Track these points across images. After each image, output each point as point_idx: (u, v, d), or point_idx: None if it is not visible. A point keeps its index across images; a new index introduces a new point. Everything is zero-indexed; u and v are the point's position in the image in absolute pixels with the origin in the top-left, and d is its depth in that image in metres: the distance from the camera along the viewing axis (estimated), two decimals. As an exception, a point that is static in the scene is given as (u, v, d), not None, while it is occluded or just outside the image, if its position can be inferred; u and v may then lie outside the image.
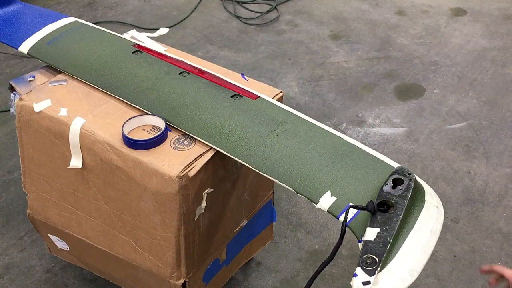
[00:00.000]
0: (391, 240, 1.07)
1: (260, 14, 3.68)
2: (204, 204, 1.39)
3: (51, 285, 1.97)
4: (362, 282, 1.02)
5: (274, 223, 1.95)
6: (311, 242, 2.15)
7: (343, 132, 2.67)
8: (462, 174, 2.46)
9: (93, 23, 1.83)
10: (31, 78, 1.60)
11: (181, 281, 1.48)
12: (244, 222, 1.69)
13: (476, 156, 2.57)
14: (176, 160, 1.32)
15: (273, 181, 1.28)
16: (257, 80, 1.65)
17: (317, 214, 2.26)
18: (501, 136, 2.69)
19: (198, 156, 1.34)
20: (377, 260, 1.04)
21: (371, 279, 1.02)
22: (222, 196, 1.51)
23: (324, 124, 1.41)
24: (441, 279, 2.02)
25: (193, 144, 1.37)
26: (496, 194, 2.37)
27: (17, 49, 1.69)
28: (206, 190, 1.38)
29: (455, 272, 2.05)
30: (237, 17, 3.64)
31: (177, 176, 1.29)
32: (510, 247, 2.15)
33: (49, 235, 1.75)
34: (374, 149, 2.58)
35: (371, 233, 1.09)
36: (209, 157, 1.34)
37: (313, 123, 1.40)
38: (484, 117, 2.82)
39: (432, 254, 2.15)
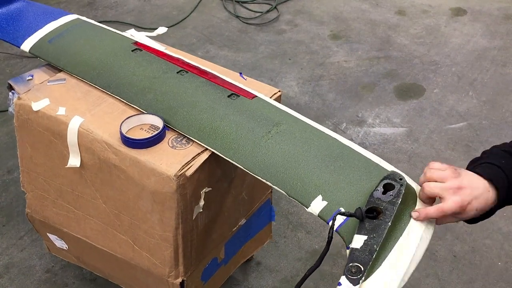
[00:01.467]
0: (377, 248, 1.04)
1: (260, 14, 3.67)
2: (202, 203, 1.39)
3: (51, 285, 1.97)
4: None
5: (273, 223, 1.95)
6: (311, 242, 2.15)
7: (343, 132, 2.67)
8: (462, 174, 2.46)
9: (92, 23, 1.83)
10: (30, 77, 1.60)
11: (179, 280, 1.48)
12: (242, 221, 1.69)
13: (476, 156, 2.56)
14: (174, 159, 1.32)
15: None
16: (257, 80, 1.64)
17: (317, 214, 2.25)
18: (501, 136, 2.68)
19: (196, 155, 1.34)
20: (362, 269, 1.02)
21: None
22: (219, 195, 1.50)
23: (324, 124, 1.40)
24: (441, 279, 2.02)
25: (191, 143, 1.37)
26: (496, 194, 2.36)
27: (19, 48, 1.69)
28: (204, 189, 1.38)
29: (455, 272, 2.05)
30: (237, 17, 3.64)
31: (175, 175, 1.29)
32: (510, 247, 2.14)
33: (47, 234, 1.75)
34: (374, 149, 2.60)
35: (357, 241, 1.07)
36: (206, 157, 1.34)
37: (309, 124, 1.38)
38: (484, 117, 2.81)
39: (432, 254, 2.16)
